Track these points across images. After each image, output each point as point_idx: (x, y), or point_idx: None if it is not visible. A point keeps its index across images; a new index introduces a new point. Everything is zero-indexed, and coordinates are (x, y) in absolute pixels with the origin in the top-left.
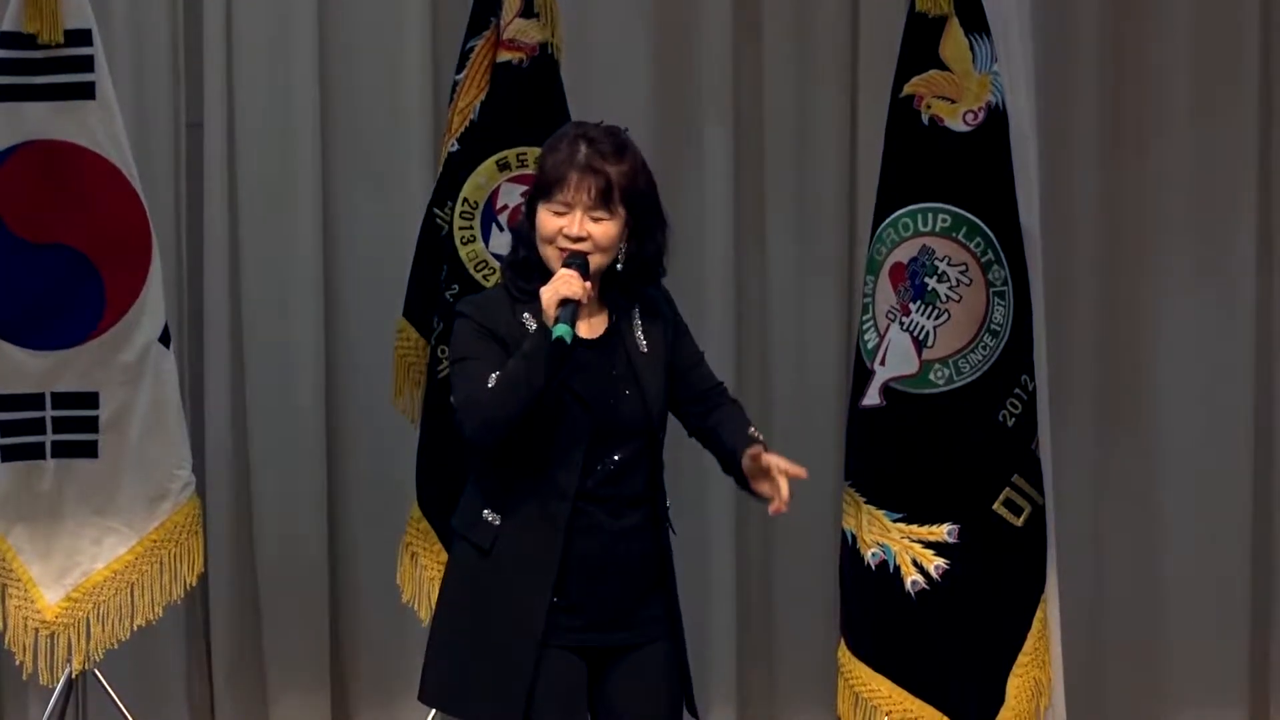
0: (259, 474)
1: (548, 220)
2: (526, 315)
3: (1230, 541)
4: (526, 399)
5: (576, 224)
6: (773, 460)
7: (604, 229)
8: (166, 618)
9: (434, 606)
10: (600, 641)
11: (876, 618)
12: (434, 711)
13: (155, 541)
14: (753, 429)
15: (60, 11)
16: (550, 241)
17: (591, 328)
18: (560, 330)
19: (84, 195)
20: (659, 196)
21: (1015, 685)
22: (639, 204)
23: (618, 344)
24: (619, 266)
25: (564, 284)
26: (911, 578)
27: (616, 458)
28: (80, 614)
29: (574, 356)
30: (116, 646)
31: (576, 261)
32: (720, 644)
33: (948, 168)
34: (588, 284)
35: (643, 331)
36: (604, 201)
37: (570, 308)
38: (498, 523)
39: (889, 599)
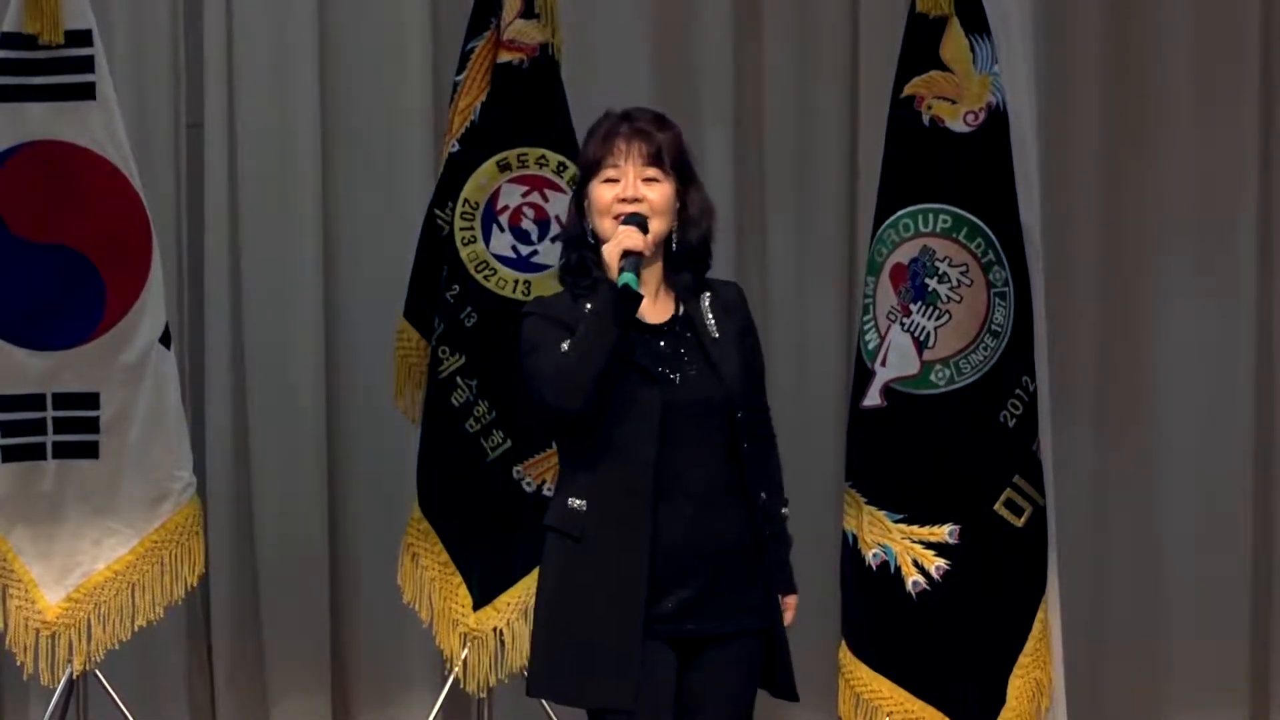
0: (260, 475)
1: (601, 192)
2: (589, 306)
3: (1231, 542)
4: (602, 353)
5: (631, 185)
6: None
7: (658, 190)
8: (167, 618)
9: (533, 603)
10: (692, 631)
11: (877, 618)
12: (436, 709)
13: (156, 542)
14: (785, 509)
15: (61, 12)
16: (606, 213)
17: (658, 313)
18: (626, 278)
19: (84, 196)
20: (700, 180)
21: (1016, 686)
22: (686, 173)
23: (686, 328)
24: (674, 245)
25: (625, 236)
26: (912, 578)
27: (689, 439)
28: (81, 614)
29: (642, 341)
30: (117, 647)
31: (636, 219)
32: None
33: (948, 168)
34: (648, 237)
35: (714, 319)
36: (655, 162)
37: (633, 259)
38: (584, 509)
39: (890, 600)
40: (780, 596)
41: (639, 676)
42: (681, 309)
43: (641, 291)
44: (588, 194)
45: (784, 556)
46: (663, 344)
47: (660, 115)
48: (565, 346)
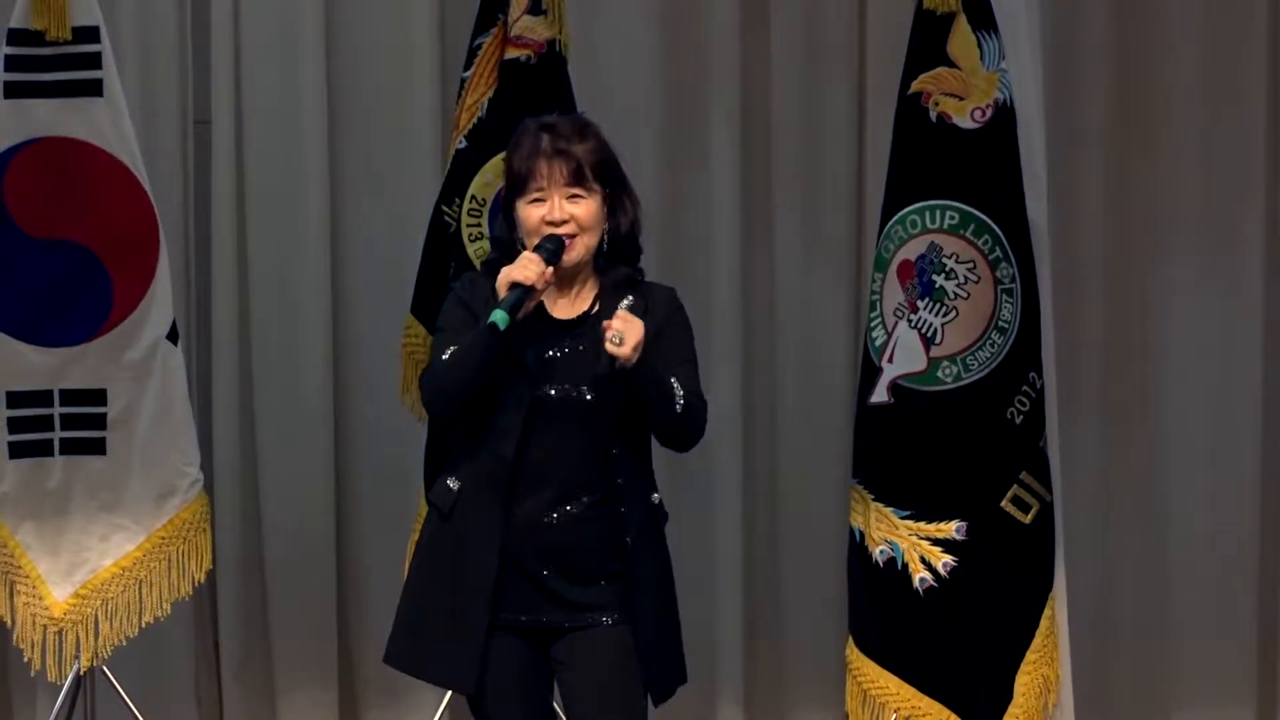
0: (267, 471)
1: (529, 213)
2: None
3: (1238, 539)
4: (468, 378)
5: (557, 208)
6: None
7: (584, 207)
8: (175, 615)
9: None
10: (541, 622)
11: (884, 615)
12: (443, 707)
13: (163, 538)
14: (677, 387)
15: (68, 8)
16: (535, 233)
17: (571, 308)
18: (495, 316)
19: (92, 192)
20: (626, 174)
21: (1023, 682)
22: (612, 179)
23: (591, 327)
24: (603, 247)
25: (520, 267)
26: (919, 575)
27: (557, 439)
28: (88, 611)
29: (540, 334)
30: (125, 643)
31: (548, 247)
32: (727, 641)
33: (956, 165)
34: (549, 270)
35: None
36: (578, 180)
37: (519, 292)
38: (456, 488)
39: (897, 596)
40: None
41: (479, 663)
42: (595, 308)
43: (552, 311)
44: (516, 210)
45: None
46: (563, 342)
47: (581, 124)
48: (447, 354)
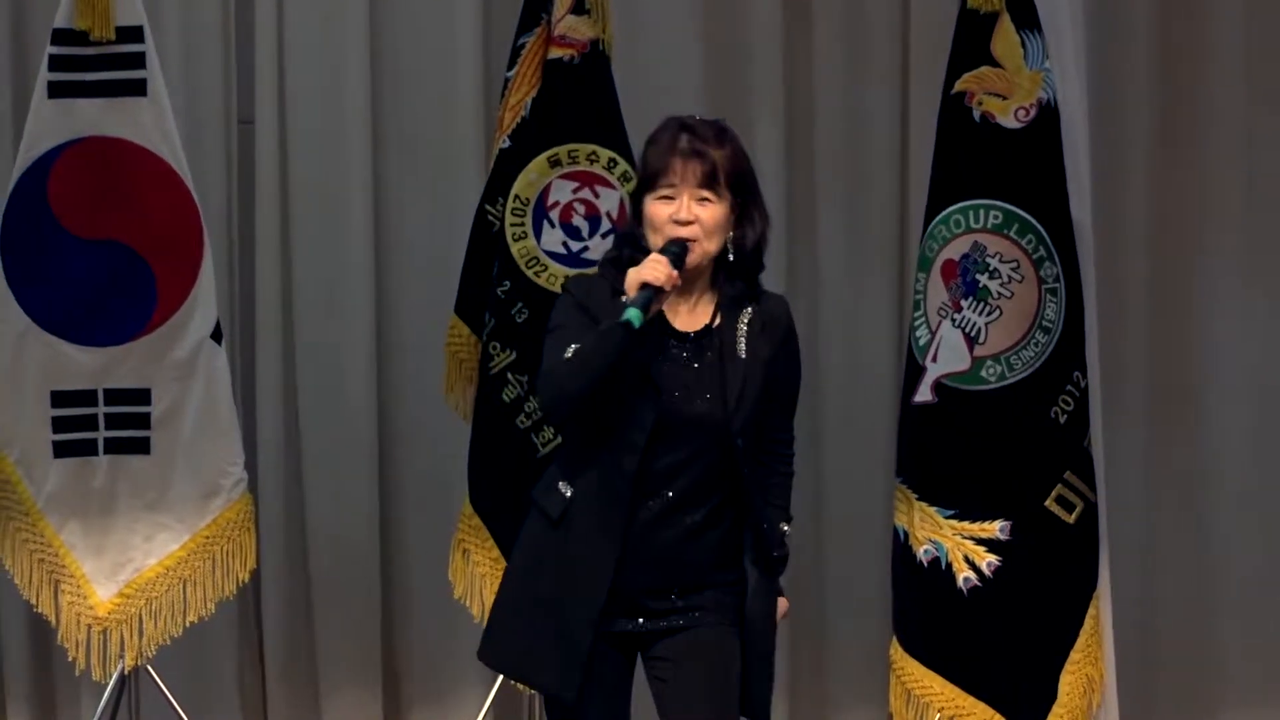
0: (311, 470)
1: (656, 209)
2: (601, 324)
3: None
4: (593, 377)
5: (684, 208)
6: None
7: (711, 212)
8: (219, 614)
9: (504, 570)
10: (640, 628)
11: (929, 615)
12: (486, 707)
13: (207, 538)
14: (785, 526)
15: (112, 8)
16: (660, 230)
17: (692, 320)
18: (629, 314)
19: (136, 192)
20: (760, 188)
21: (1067, 682)
22: (744, 189)
23: (713, 341)
24: (730, 257)
25: (649, 269)
26: (964, 575)
27: (681, 452)
28: (133, 610)
29: (664, 346)
30: (169, 643)
31: (673, 250)
32: None
33: (999, 164)
34: (675, 273)
35: (747, 336)
36: (710, 184)
37: (648, 292)
38: (569, 494)
39: (941, 596)
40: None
41: (583, 673)
42: (717, 320)
43: (674, 323)
44: (644, 205)
45: (767, 559)
46: (685, 354)
47: (721, 128)
48: (569, 353)
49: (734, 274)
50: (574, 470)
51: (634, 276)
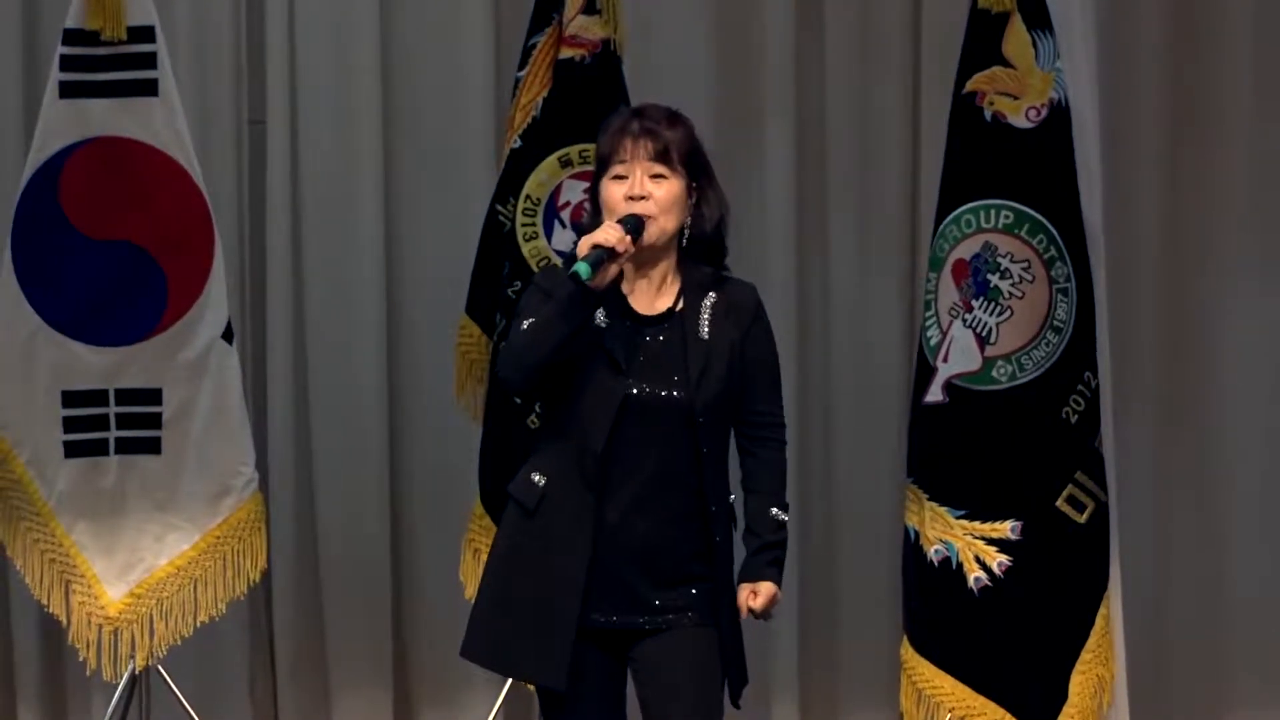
0: (321, 471)
1: (611, 190)
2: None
3: None
4: (550, 344)
5: (638, 182)
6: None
7: (665, 189)
8: (229, 614)
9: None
10: (624, 624)
11: (939, 615)
12: (497, 707)
13: (218, 538)
14: (775, 511)
15: (123, 8)
16: (615, 210)
17: (655, 304)
18: (578, 266)
19: (147, 192)
20: (714, 173)
21: (1078, 682)
22: (698, 168)
23: (676, 324)
24: (684, 241)
25: (601, 231)
26: (974, 574)
27: (648, 434)
28: (143, 610)
29: (628, 329)
30: (179, 643)
31: (629, 222)
32: (782, 641)
33: (1010, 164)
34: (629, 239)
35: (710, 319)
36: (663, 158)
37: (600, 251)
38: (542, 484)
39: (952, 596)
40: (741, 583)
41: (568, 661)
42: (680, 304)
43: (635, 306)
44: (599, 190)
45: (758, 550)
46: (647, 337)
47: (673, 113)
48: (525, 324)
49: (697, 258)
50: (545, 460)
51: (584, 241)
